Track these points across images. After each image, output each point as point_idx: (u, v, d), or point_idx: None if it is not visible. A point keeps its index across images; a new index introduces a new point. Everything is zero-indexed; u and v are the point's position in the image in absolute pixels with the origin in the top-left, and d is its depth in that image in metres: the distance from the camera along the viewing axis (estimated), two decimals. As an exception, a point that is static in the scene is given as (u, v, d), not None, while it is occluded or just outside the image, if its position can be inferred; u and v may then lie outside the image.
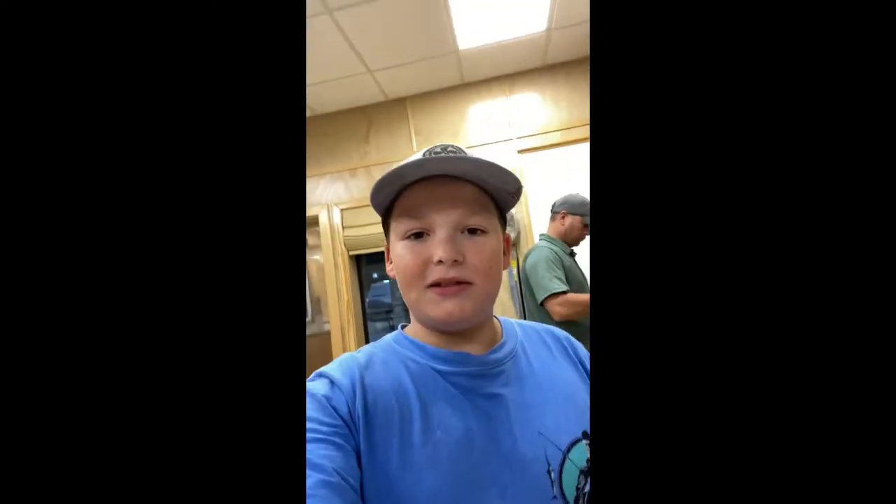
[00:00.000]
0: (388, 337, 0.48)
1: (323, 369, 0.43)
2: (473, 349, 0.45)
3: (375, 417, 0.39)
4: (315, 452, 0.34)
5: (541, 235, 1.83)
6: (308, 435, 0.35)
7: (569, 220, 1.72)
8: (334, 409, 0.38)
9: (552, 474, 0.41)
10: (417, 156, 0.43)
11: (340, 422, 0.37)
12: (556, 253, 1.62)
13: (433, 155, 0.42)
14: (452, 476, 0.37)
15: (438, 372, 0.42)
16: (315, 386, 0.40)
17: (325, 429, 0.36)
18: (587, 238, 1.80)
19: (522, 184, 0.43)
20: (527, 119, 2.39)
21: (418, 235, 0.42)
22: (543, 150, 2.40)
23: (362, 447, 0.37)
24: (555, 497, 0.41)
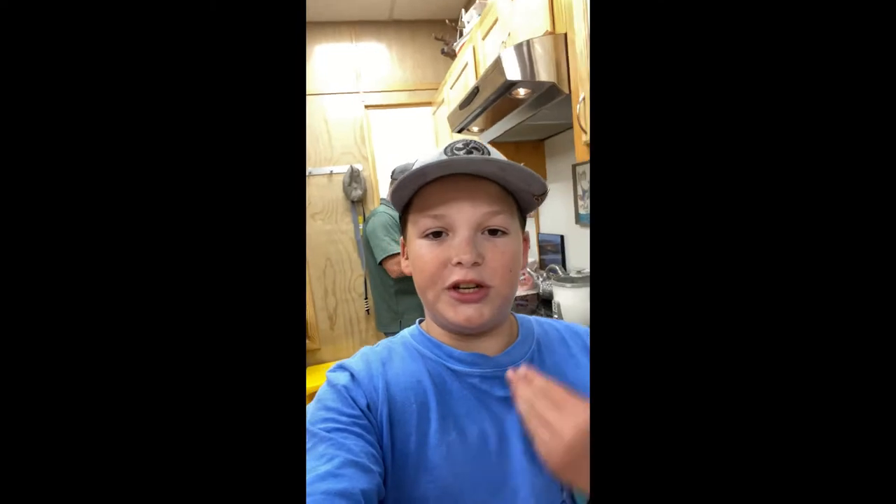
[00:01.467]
0: (406, 332, 0.47)
1: (343, 361, 0.43)
2: (489, 349, 0.44)
3: (395, 413, 0.39)
4: (336, 440, 0.34)
5: (381, 199, 1.98)
6: (328, 425, 0.36)
7: None
8: (353, 400, 0.38)
9: None
10: (439, 153, 0.41)
11: (360, 412, 0.38)
12: (393, 218, 1.76)
13: (455, 152, 0.40)
14: (466, 477, 0.38)
15: (453, 372, 0.42)
16: (336, 377, 0.40)
17: (344, 419, 0.36)
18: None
19: (546, 187, 0.43)
20: (374, 72, 2.37)
21: (437, 234, 0.40)
22: (390, 108, 2.44)
23: (384, 440, 0.38)
24: (563, 502, 0.42)
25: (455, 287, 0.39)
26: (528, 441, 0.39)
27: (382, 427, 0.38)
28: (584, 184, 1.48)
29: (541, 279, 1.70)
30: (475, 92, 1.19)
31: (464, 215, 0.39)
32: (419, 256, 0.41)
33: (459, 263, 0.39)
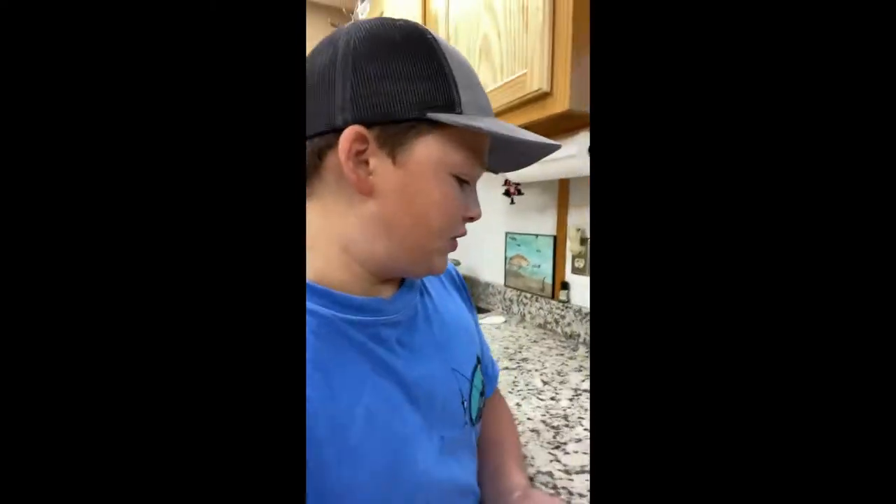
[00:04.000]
0: None
1: None
2: (385, 292, 0.39)
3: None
4: None
5: None
6: None
7: None
8: None
9: (465, 404, 0.43)
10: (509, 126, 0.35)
11: None
12: None
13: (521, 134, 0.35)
14: (386, 441, 0.33)
15: (351, 324, 0.35)
16: None
17: None
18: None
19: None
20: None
21: (463, 182, 0.35)
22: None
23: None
24: (466, 423, 0.43)
25: (455, 237, 0.38)
26: (434, 380, 0.39)
27: None
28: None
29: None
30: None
31: (481, 175, 0.37)
32: (446, 197, 0.34)
33: (471, 219, 0.37)
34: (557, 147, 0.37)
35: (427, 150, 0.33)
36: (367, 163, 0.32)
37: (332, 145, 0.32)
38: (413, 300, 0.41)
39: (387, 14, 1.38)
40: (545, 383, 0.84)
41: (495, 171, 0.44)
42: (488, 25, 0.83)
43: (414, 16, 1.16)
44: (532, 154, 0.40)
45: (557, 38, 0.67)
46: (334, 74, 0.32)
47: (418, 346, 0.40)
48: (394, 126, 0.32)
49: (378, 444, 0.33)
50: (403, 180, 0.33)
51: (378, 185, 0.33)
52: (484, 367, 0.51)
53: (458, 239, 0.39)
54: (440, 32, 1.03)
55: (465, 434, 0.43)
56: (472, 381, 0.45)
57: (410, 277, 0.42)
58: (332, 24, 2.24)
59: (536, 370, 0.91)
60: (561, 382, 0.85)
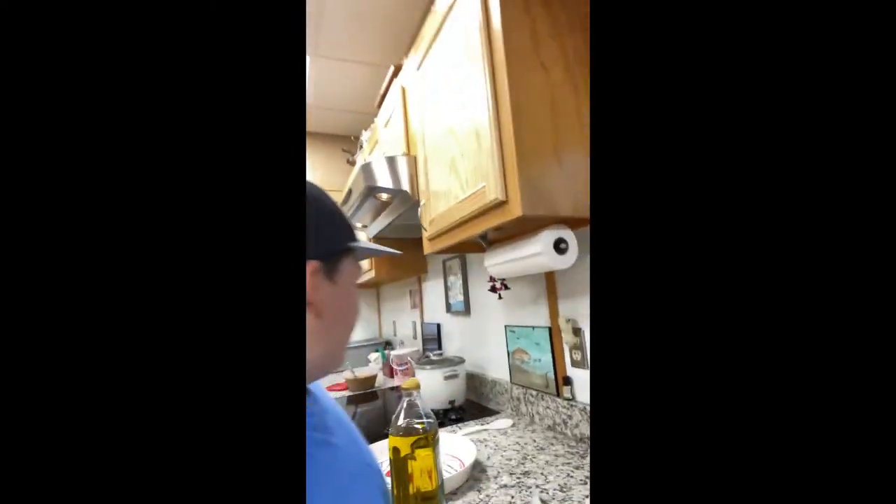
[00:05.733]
0: None
1: None
2: None
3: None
4: None
5: None
6: None
7: None
8: None
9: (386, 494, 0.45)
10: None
11: None
12: None
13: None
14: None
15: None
16: None
17: None
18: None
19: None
20: (284, 173, 2.58)
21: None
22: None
23: None
24: None
25: None
26: (354, 481, 0.41)
27: None
28: (451, 277, 1.70)
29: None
30: (349, 193, 1.40)
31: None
32: (357, 302, 0.44)
33: None
34: (398, 253, 0.52)
35: (341, 266, 0.42)
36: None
37: None
38: (321, 400, 0.46)
39: (380, 137, 1.58)
40: (544, 503, 0.75)
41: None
42: (454, 146, 0.94)
43: (399, 137, 1.33)
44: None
45: (506, 156, 0.76)
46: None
47: (335, 448, 0.41)
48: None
49: None
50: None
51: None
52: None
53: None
54: (419, 152, 1.17)
55: None
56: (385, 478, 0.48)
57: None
58: (344, 150, 2.56)
59: (537, 486, 0.82)
60: (563, 501, 0.76)
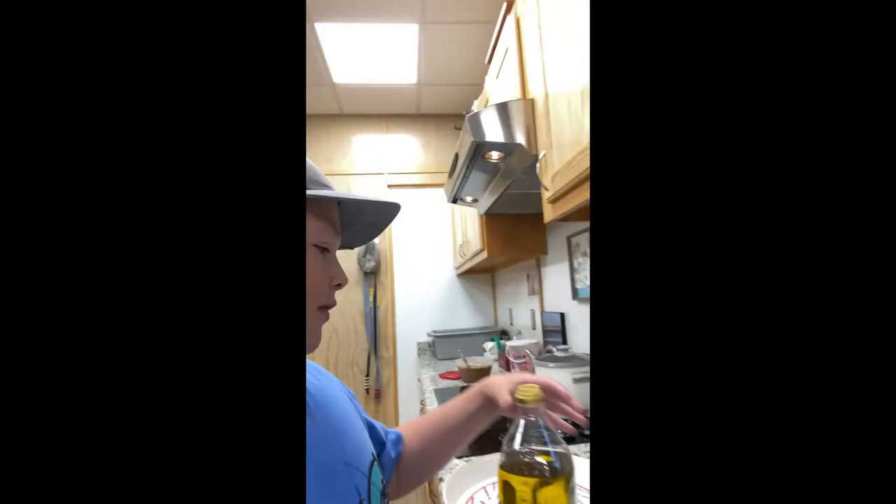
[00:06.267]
0: None
1: None
2: None
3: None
4: None
5: None
6: None
7: None
8: None
9: (363, 503, 0.42)
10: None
11: None
12: None
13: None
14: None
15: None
16: None
17: None
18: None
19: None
20: (399, 157, 2.57)
21: (324, 250, 0.40)
22: (409, 188, 2.59)
23: None
24: None
25: (326, 307, 0.40)
26: (325, 475, 0.39)
27: None
28: (579, 257, 1.40)
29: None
30: (455, 159, 1.22)
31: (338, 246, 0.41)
32: (309, 264, 0.38)
33: (338, 286, 0.40)
34: (397, 205, 0.44)
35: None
36: None
37: None
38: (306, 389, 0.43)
39: (491, 94, 1.36)
40: None
41: (350, 247, 0.50)
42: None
43: (514, 84, 1.09)
44: (379, 225, 0.47)
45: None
46: None
47: (311, 439, 0.38)
48: None
49: None
50: None
51: None
52: (387, 452, 0.53)
53: None
54: (540, 92, 0.92)
55: None
56: (369, 477, 0.44)
57: None
58: (456, 128, 2.42)
59: None
60: None
